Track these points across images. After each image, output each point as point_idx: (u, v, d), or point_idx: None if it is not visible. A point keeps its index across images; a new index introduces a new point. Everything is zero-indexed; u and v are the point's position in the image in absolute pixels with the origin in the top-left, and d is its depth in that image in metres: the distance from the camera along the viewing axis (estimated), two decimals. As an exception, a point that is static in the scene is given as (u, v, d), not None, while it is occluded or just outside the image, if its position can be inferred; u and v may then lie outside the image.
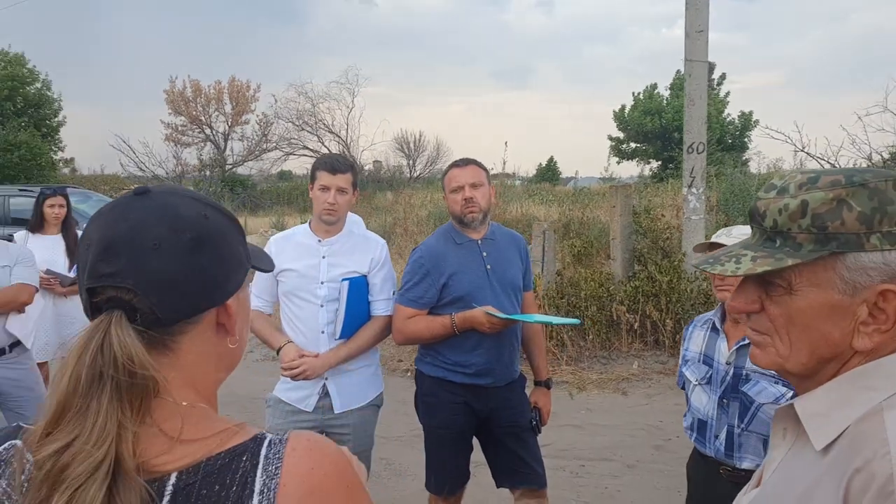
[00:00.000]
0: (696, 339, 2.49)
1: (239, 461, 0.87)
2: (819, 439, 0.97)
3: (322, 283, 2.96)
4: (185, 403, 0.90)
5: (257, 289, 3.09)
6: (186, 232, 0.91)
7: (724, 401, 2.32)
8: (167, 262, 0.89)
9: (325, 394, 3.00)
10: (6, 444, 0.89)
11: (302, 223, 3.22)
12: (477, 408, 2.97)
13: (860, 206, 0.95)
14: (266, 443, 0.89)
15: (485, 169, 3.00)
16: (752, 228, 1.09)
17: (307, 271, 2.97)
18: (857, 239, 0.95)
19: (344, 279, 2.94)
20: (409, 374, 6.64)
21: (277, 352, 2.97)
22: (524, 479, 3.01)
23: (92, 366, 0.84)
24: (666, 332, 6.99)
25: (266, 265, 1.12)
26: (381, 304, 3.05)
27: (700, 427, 2.42)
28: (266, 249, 3.06)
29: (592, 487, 4.49)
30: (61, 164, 29.52)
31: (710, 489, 2.39)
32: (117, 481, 0.81)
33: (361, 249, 3.04)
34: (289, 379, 2.95)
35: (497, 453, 3.05)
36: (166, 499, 0.84)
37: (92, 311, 0.90)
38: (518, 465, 2.99)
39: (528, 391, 3.18)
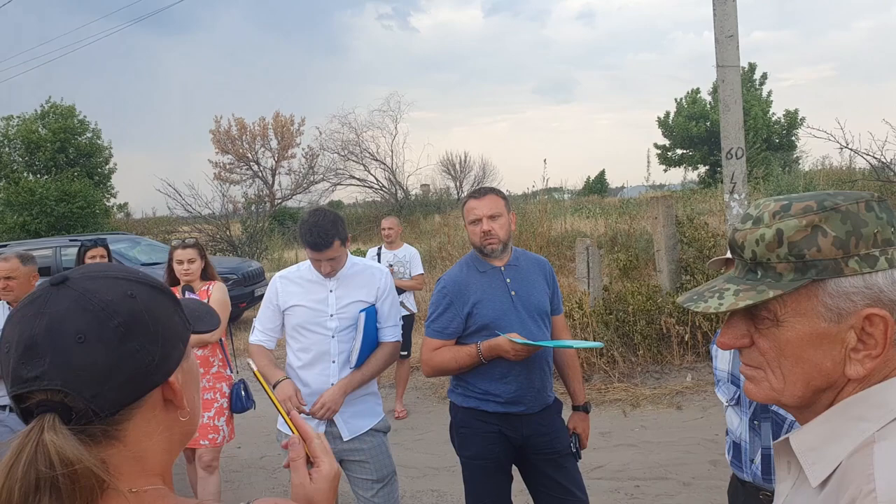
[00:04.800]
0: (722, 357, 2.39)
1: None
2: (814, 475, 0.94)
3: (332, 315, 3.07)
4: (134, 490, 0.85)
5: (261, 323, 3.22)
6: (113, 317, 0.85)
7: (755, 422, 2.22)
8: (96, 353, 0.82)
9: (330, 422, 3.08)
10: None
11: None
12: (512, 436, 2.94)
13: (835, 231, 0.93)
14: None
15: (503, 197, 2.99)
16: (734, 261, 1.07)
17: (316, 305, 3.08)
18: (835, 264, 0.92)
19: (361, 310, 3.05)
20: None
21: (273, 387, 3.03)
22: None
23: (25, 478, 0.78)
24: (718, 343, 6.83)
25: (208, 325, 1.05)
26: (389, 331, 3.17)
27: (735, 450, 2.33)
28: (271, 288, 3.20)
29: (647, 508, 4.41)
30: (115, 210, 30.35)
31: None
32: None
33: (366, 280, 3.15)
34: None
35: (537, 481, 3.00)
36: None
37: (23, 416, 0.83)
38: (559, 492, 2.94)
39: (566, 416, 3.14)
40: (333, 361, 3.07)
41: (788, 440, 1.00)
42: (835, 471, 0.92)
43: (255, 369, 1.20)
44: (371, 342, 3.09)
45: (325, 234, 2.93)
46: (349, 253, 3.20)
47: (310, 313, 3.08)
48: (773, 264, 0.97)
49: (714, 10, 6.55)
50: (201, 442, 4.04)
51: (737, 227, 1.04)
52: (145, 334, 0.87)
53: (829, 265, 0.93)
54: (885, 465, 0.84)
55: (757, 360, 1.02)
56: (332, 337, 3.07)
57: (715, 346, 2.49)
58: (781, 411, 2.14)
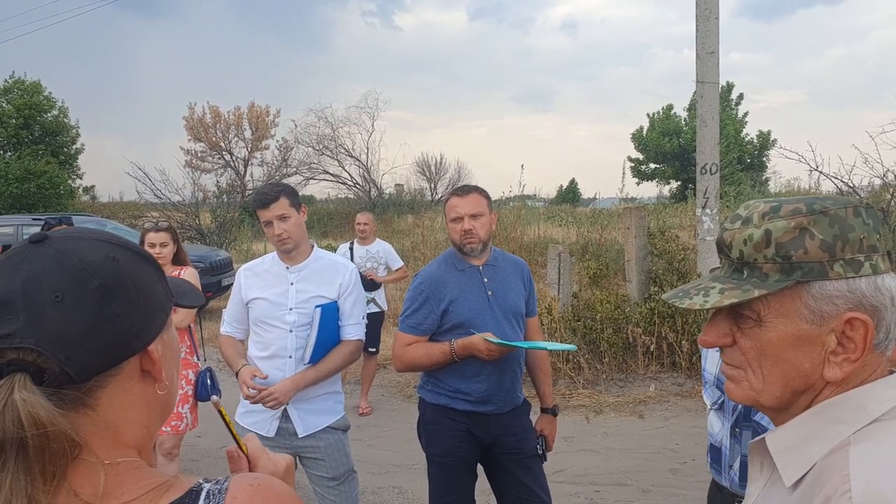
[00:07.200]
0: (711, 360, 2.36)
1: None
2: (789, 475, 0.95)
3: (290, 309, 3.00)
4: (107, 462, 0.81)
5: (229, 316, 3.19)
6: (93, 278, 0.81)
7: (737, 430, 2.22)
8: (73, 314, 0.78)
9: (285, 418, 3.02)
10: None
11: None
12: (480, 435, 2.94)
13: (822, 234, 0.95)
14: (203, 495, 0.82)
15: (486, 196, 2.99)
16: (720, 260, 1.09)
17: (276, 298, 3.01)
18: (820, 267, 0.94)
19: (317, 306, 2.96)
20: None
21: (236, 375, 3.01)
22: None
23: None
24: (682, 354, 6.92)
25: (191, 301, 1.02)
26: (351, 329, 3.07)
27: (714, 455, 2.33)
28: (236, 280, 3.17)
29: (606, 514, 4.44)
30: (81, 192, 29.66)
31: None
32: None
33: (329, 275, 3.06)
34: (247, 403, 3.00)
35: (502, 481, 3.01)
36: None
37: None
38: (524, 492, 2.95)
39: (534, 417, 3.15)
40: (290, 356, 2.98)
41: (764, 440, 1.01)
42: (809, 471, 0.93)
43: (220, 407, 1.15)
44: (329, 339, 3.00)
45: (271, 190, 2.98)
46: (315, 245, 3.16)
47: (269, 307, 3.01)
48: (760, 264, 0.98)
49: (697, 26, 6.65)
50: (164, 428, 3.98)
51: (725, 226, 1.05)
52: (126, 299, 0.83)
53: (814, 268, 0.94)
54: (861, 466, 0.85)
55: (738, 360, 1.03)
56: (290, 331, 2.99)
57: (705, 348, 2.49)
58: (763, 421, 2.14)
